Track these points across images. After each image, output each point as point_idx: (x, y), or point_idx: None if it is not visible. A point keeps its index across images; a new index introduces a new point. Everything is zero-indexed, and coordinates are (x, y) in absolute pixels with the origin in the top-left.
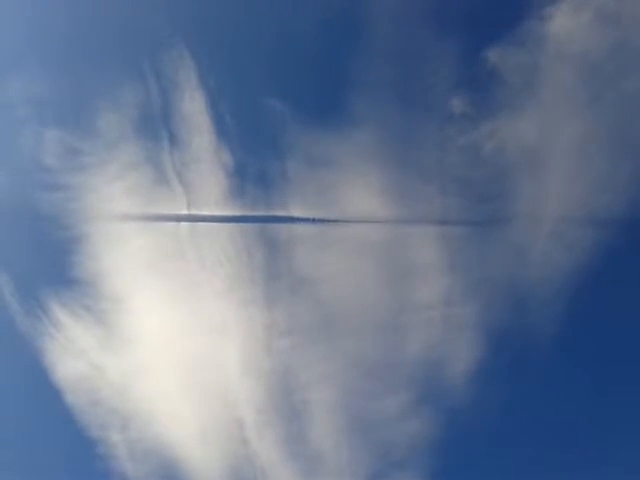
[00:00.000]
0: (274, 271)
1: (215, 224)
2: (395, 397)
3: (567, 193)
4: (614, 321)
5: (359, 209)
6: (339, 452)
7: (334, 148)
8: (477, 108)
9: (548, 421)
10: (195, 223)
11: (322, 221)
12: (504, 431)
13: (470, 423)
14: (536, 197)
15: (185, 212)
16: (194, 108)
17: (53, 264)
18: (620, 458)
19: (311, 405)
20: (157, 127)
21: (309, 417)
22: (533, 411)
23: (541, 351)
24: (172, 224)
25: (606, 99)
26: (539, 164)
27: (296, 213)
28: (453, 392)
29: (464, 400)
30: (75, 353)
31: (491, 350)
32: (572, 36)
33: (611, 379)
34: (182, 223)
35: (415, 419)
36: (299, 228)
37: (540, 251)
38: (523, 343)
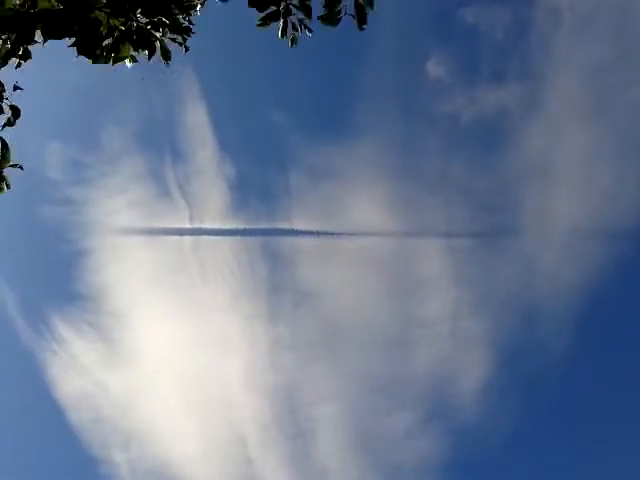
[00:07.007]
0: (277, 285)
1: (218, 237)
2: (402, 415)
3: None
4: (626, 334)
5: (363, 221)
6: (344, 471)
7: (337, 160)
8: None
9: (559, 439)
10: (198, 236)
11: (326, 234)
12: (514, 450)
13: (479, 442)
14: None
15: (188, 225)
16: (196, 121)
17: (56, 278)
18: (633, 476)
19: (316, 423)
20: (160, 140)
21: (314, 435)
22: (543, 429)
23: (551, 367)
24: (175, 237)
25: (602, 58)
26: (545, 172)
27: (299, 226)
28: (462, 410)
29: (473, 418)
30: (78, 370)
31: (500, 366)
32: None
33: (624, 395)
34: (185, 236)
35: (423, 437)
36: (302, 241)
37: (549, 263)
38: (533, 359)
